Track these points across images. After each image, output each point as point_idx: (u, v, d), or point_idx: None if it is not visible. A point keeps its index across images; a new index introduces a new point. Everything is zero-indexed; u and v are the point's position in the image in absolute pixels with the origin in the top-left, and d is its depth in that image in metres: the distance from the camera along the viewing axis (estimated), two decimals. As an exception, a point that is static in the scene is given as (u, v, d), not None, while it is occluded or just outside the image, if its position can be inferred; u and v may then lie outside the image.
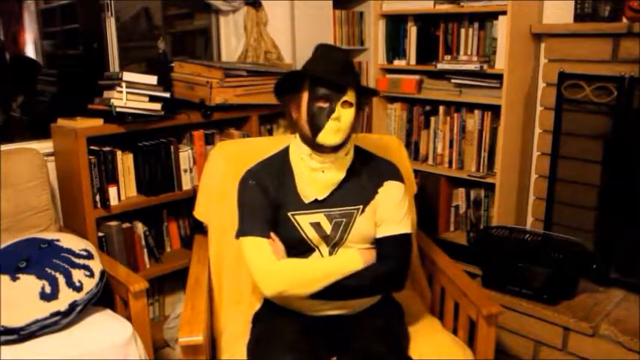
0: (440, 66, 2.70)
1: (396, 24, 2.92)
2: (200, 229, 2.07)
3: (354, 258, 1.54)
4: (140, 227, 2.41)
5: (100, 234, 2.25)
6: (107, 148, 2.21)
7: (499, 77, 2.50)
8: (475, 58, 2.60)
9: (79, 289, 1.69)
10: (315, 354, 1.48)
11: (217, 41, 2.99)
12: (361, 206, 1.59)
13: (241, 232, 1.58)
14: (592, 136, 2.35)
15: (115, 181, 2.23)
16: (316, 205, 1.58)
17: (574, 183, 2.42)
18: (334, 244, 1.58)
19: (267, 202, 1.58)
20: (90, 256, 1.80)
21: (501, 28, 2.46)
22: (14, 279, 1.65)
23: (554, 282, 2.17)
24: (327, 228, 1.58)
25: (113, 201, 2.22)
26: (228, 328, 1.75)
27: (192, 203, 2.03)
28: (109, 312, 1.81)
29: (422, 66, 2.83)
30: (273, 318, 1.61)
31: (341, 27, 3.04)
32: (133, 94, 2.15)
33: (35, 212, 2.09)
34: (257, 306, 1.71)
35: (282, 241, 1.57)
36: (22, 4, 2.51)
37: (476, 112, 2.67)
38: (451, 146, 2.78)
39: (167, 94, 2.27)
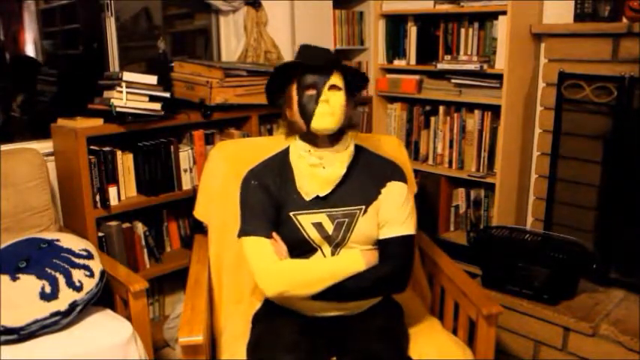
0: (440, 66, 2.70)
1: (396, 24, 2.92)
2: (200, 229, 2.07)
3: (356, 259, 1.54)
4: (140, 227, 2.41)
5: (100, 234, 2.25)
6: (107, 148, 2.21)
7: (499, 77, 2.50)
8: (475, 58, 2.60)
9: (79, 289, 1.69)
10: (315, 354, 1.48)
11: (217, 41, 2.99)
12: (363, 207, 1.59)
13: (243, 232, 1.58)
14: (592, 136, 2.34)
15: (115, 181, 2.23)
16: (318, 205, 1.58)
17: (574, 183, 2.42)
18: (336, 244, 1.58)
19: (269, 201, 1.58)
20: (90, 256, 1.80)
21: (501, 28, 2.46)
22: (14, 279, 1.65)
23: (554, 282, 2.17)
24: (329, 228, 1.57)
25: (113, 201, 2.22)
26: (228, 328, 1.75)
27: (192, 203, 2.03)
28: (109, 312, 1.81)
29: (422, 66, 2.83)
30: (274, 318, 1.61)
31: (341, 27, 3.03)
32: (133, 94, 2.15)
33: (35, 212, 2.09)
34: (257, 306, 1.71)
35: (285, 242, 1.56)
36: (22, 4, 2.51)
37: (476, 112, 2.67)
38: (451, 146, 2.78)
39: (167, 94, 2.26)
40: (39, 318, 1.61)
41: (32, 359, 1.57)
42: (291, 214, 1.58)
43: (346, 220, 1.58)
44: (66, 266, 1.71)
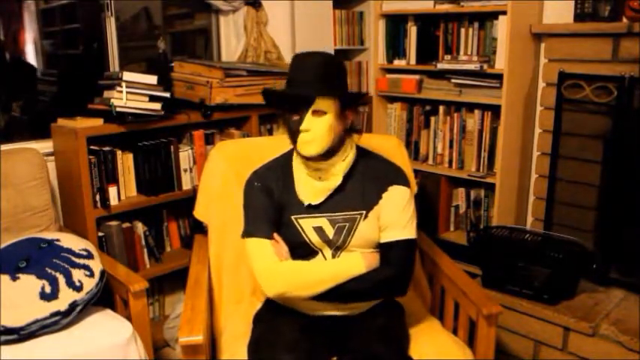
0: (440, 66, 2.70)
1: (396, 24, 2.92)
2: (200, 228, 2.07)
3: (356, 261, 1.54)
4: (140, 227, 2.41)
5: (100, 234, 2.25)
6: (107, 148, 2.21)
7: (499, 77, 2.50)
8: (475, 58, 2.60)
9: (79, 288, 1.69)
10: (315, 354, 1.48)
11: (217, 41, 2.99)
12: (364, 211, 1.59)
13: (246, 233, 1.59)
14: (592, 136, 2.34)
15: (115, 180, 2.23)
16: (319, 209, 1.58)
17: (574, 183, 2.42)
18: (337, 247, 1.58)
19: (271, 204, 1.59)
20: (90, 256, 1.80)
21: (501, 28, 2.46)
22: (14, 279, 1.65)
23: (554, 282, 2.17)
24: (330, 232, 1.58)
25: (113, 201, 2.22)
26: (228, 328, 1.75)
27: (192, 203, 2.03)
28: (109, 312, 1.81)
29: (422, 66, 2.83)
30: (274, 318, 1.61)
31: (341, 27, 3.03)
32: (133, 93, 2.15)
33: (35, 212, 2.09)
34: (258, 306, 1.72)
35: (286, 244, 1.57)
36: (22, 4, 2.51)
37: (476, 112, 2.67)
38: (451, 146, 2.78)
39: (167, 94, 2.26)
40: (39, 318, 1.61)
41: (32, 359, 1.57)
42: (292, 217, 1.58)
43: (347, 224, 1.58)
44: (66, 266, 1.71)
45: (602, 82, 2.25)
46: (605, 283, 2.32)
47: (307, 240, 1.57)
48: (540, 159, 2.55)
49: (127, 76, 2.15)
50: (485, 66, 2.55)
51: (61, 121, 2.20)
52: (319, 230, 1.57)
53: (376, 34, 2.98)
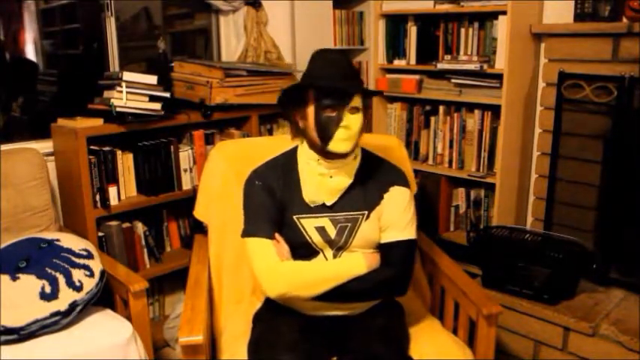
0: (440, 66, 2.70)
1: (396, 24, 2.92)
2: (200, 228, 2.07)
3: (357, 262, 1.54)
4: (140, 227, 2.41)
5: (100, 234, 2.25)
6: (107, 148, 2.21)
7: (499, 77, 2.50)
8: (475, 58, 2.60)
9: (79, 288, 1.69)
10: (315, 354, 1.48)
11: (217, 41, 2.99)
12: (366, 212, 1.59)
13: (246, 233, 1.58)
14: (592, 136, 2.34)
15: (115, 180, 2.23)
16: (321, 208, 1.58)
17: (574, 183, 2.42)
18: (338, 248, 1.58)
19: (273, 203, 1.58)
20: (90, 256, 1.80)
21: (501, 28, 2.46)
22: (14, 279, 1.65)
23: (554, 282, 2.17)
24: (332, 232, 1.57)
25: (113, 201, 2.22)
26: (228, 328, 1.75)
27: (192, 203, 2.03)
28: (109, 312, 1.81)
29: (422, 66, 2.83)
30: (274, 318, 1.61)
31: (341, 27, 3.03)
32: (133, 93, 2.15)
33: (35, 212, 2.09)
34: (257, 305, 1.71)
35: (287, 243, 1.57)
36: (22, 4, 2.51)
37: (476, 111, 2.67)
38: (451, 146, 2.78)
39: (167, 94, 2.27)
40: (39, 318, 1.61)
41: (32, 359, 1.57)
42: (294, 217, 1.58)
43: (349, 224, 1.58)
44: (66, 266, 1.71)
45: (602, 82, 2.25)
46: (605, 283, 2.32)
47: (309, 240, 1.57)
48: (540, 159, 2.55)
49: (127, 76, 2.15)
50: (485, 66, 2.55)
51: (61, 121, 2.20)
52: (321, 230, 1.57)
53: (376, 34, 2.98)
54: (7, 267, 1.68)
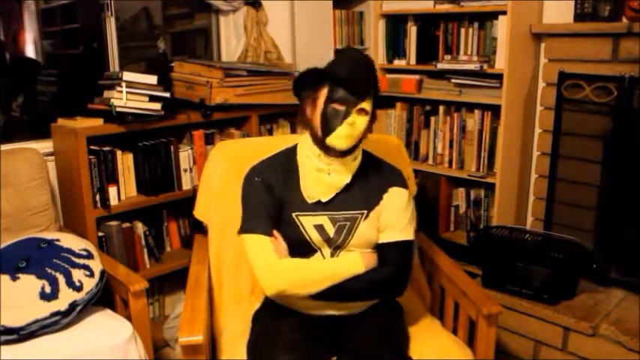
0: (440, 66, 2.70)
1: (396, 24, 2.92)
2: (200, 228, 2.07)
3: (355, 261, 1.54)
4: (140, 227, 2.41)
5: (100, 234, 2.25)
6: (107, 148, 2.21)
7: (499, 77, 2.50)
8: (475, 58, 2.60)
9: (79, 288, 1.69)
10: (315, 354, 1.48)
11: (217, 41, 2.99)
12: (365, 211, 1.59)
13: (244, 230, 1.58)
14: (592, 136, 2.35)
15: (115, 180, 2.23)
16: (320, 207, 1.58)
17: (574, 183, 2.42)
18: (336, 246, 1.58)
19: (272, 199, 1.58)
20: (90, 256, 1.80)
21: (501, 27, 2.46)
22: (14, 279, 1.65)
23: (554, 282, 2.17)
24: (331, 231, 1.58)
25: (113, 201, 2.22)
26: (228, 328, 1.75)
27: (192, 203, 2.03)
28: (109, 312, 1.81)
29: (422, 66, 2.83)
30: (273, 318, 1.61)
31: (341, 27, 3.03)
32: (132, 93, 2.15)
33: (35, 212, 2.09)
34: (257, 305, 1.72)
35: (285, 241, 1.56)
36: (22, 4, 2.51)
37: (476, 111, 2.67)
38: (451, 146, 2.78)
39: (167, 94, 2.27)
40: (39, 318, 1.61)
41: (32, 359, 1.57)
42: (293, 214, 1.58)
43: (348, 223, 1.58)
44: (66, 266, 1.71)
45: (602, 82, 2.25)
46: (605, 283, 2.32)
47: (307, 238, 1.57)
48: (540, 159, 2.55)
49: (127, 76, 2.15)
50: (485, 66, 2.55)
51: (61, 121, 2.20)
52: (320, 228, 1.57)
53: (376, 34, 2.98)
54: (7, 267, 1.68)
